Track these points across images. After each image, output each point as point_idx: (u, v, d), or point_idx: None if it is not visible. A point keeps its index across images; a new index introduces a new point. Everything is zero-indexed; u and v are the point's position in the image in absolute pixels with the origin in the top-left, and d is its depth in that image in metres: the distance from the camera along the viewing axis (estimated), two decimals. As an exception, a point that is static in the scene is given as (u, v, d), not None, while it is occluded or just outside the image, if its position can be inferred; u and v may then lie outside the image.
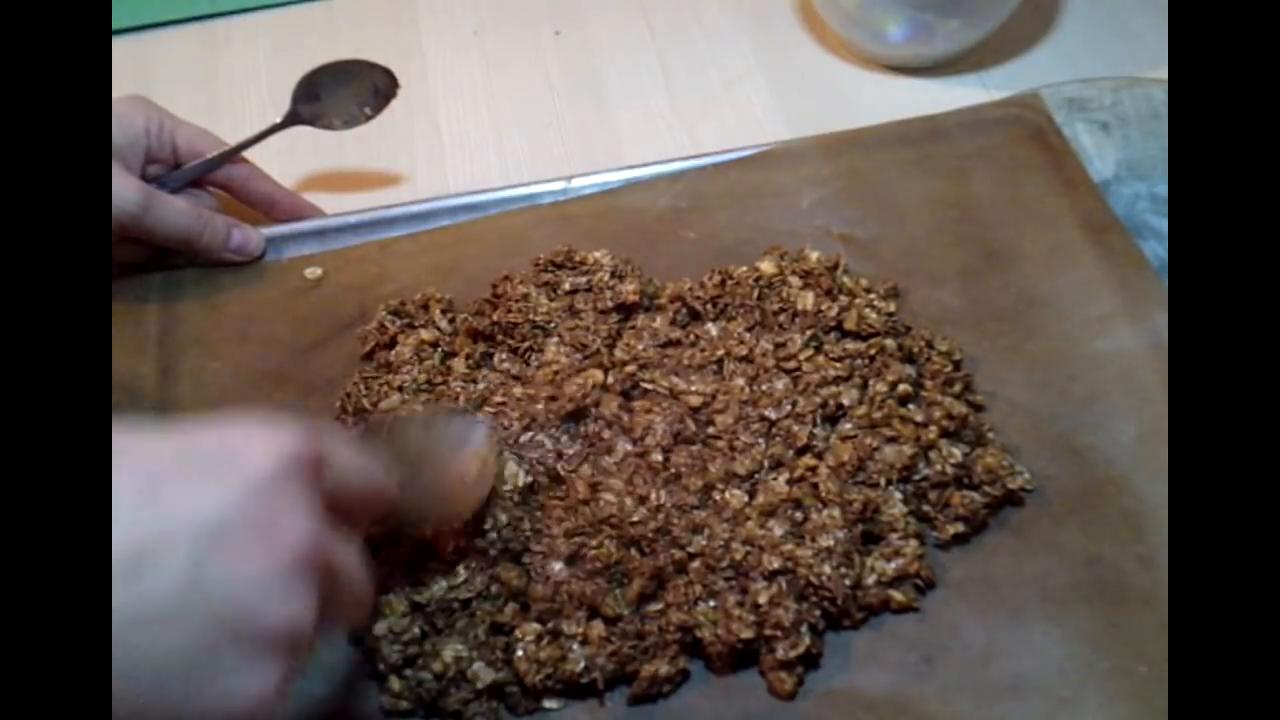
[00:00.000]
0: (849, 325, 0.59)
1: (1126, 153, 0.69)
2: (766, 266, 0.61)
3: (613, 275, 0.60)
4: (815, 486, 0.53)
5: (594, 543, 0.51)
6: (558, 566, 0.51)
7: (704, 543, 0.51)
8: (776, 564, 0.50)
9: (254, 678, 0.33)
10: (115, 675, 0.31)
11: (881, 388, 0.56)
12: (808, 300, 0.59)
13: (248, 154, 0.68)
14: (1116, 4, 0.82)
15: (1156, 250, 0.64)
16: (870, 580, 0.51)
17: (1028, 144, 0.68)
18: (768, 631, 0.49)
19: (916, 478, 0.54)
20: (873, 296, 0.60)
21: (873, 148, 0.69)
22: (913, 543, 0.52)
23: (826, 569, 0.50)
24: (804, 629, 0.49)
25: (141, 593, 0.32)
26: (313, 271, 0.66)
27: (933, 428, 0.55)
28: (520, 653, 0.50)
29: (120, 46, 0.83)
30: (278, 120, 0.69)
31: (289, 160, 0.74)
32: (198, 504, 0.33)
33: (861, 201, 0.67)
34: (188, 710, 0.32)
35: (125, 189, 0.60)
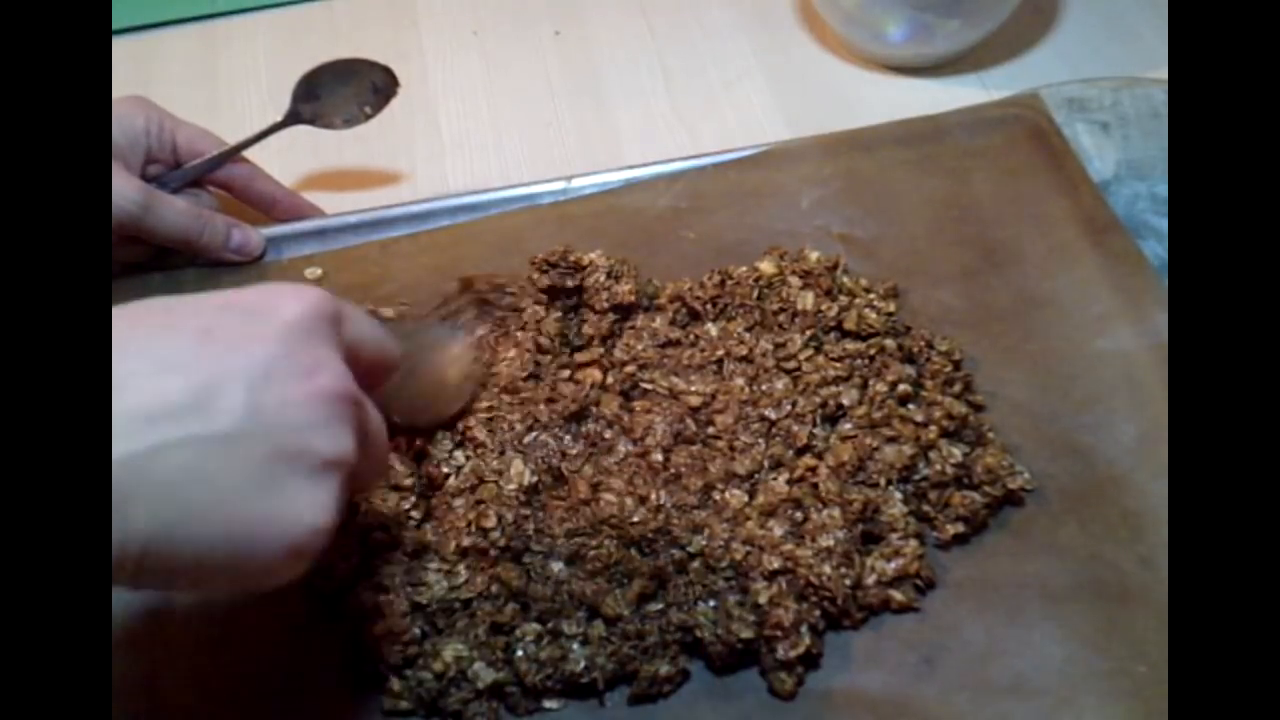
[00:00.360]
0: (849, 325, 0.59)
1: (1126, 153, 0.69)
2: (766, 266, 0.61)
3: (609, 275, 0.60)
4: (815, 486, 0.53)
5: (594, 543, 0.52)
6: (558, 566, 0.51)
7: (704, 543, 0.51)
8: (776, 564, 0.50)
9: (310, 500, 0.35)
10: (188, 504, 0.34)
11: (881, 388, 0.56)
12: (807, 300, 0.59)
13: (248, 154, 0.68)
14: (1116, 4, 0.82)
15: (1156, 250, 0.64)
16: (870, 580, 0.51)
17: (1028, 144, 0.68)
18: (768, 632, 0.49)
19: (916, 478, 0.54)
20: (872, 296, 0.60)
21: (872, 147, 0.69)
22: (913, 543, 0.52)
23: (826, 569, 0.50)
24: (804, 629, 0.49)
25: (209, 424, 0.34)
26: (313, 271, 0.66)
27: (933, 428, 0.55)
28: (520, 653, 0.50)
29: (120, 46, 0.83)
30: (278, 120, 0.69)
31: (289, 160, 0.74)
32: (247, 347, 0.36)
33: (861, 201, 0.67)
34: (254, 532, 0.35)
35: (125, 189, 0.60)
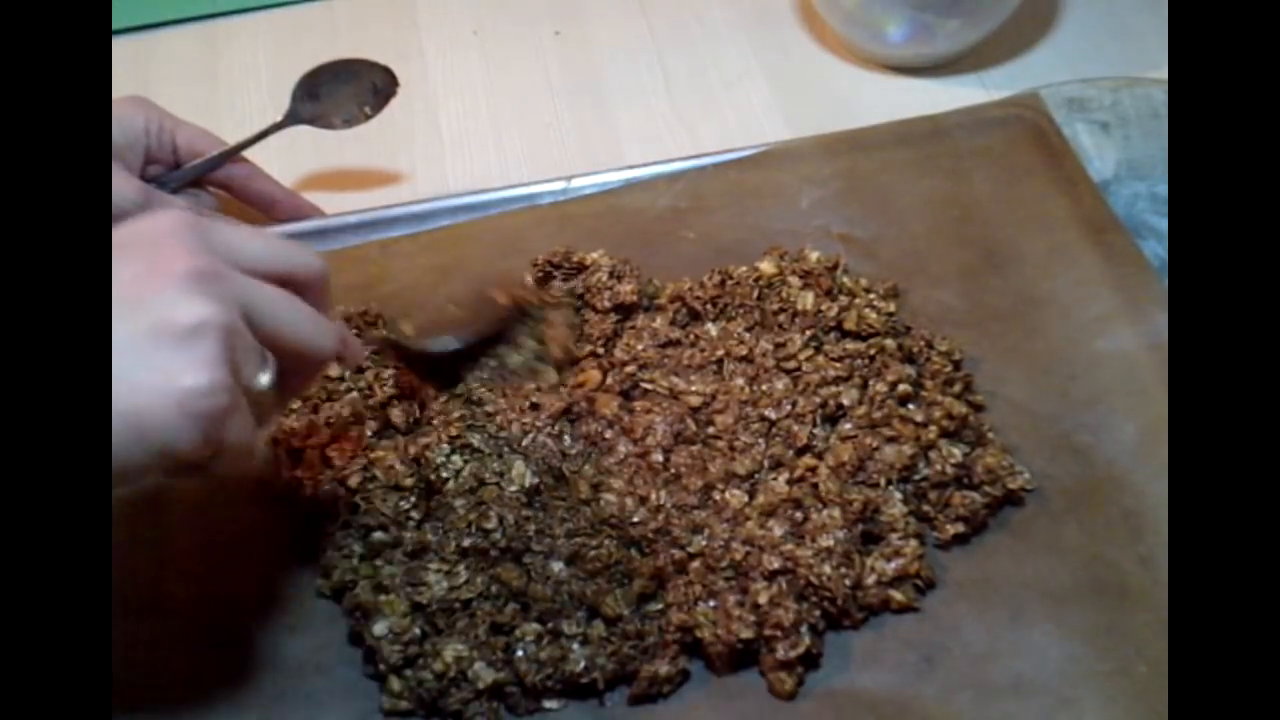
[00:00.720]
0: (849, 325, 0.58)
1: (1126, 153, 0.69)
2: (766, 266, 0.61)
3: (611, 275, 0.60)
4: (815, 486, 0.53)
5: (594, 543, 0.51)
6: (558, 566, 0.51)
7: (704, 543, 0.51)
8: (776, 564, 0.50)
9: (184, 362, 0.39)
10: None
11: (881, 388, 0.56)
12: (808, 300, 0.59)
13: (248, 154, 0.68)
14: (1116, 4, 0.82)
15: (1156, 250, 0.64)
16: (870, 580, 0.51)
17: (1028, 144, 0.68)
18: (768, 631, 0.49)
19: (916, 478, 0.54)
20: (872, 296, 0.60)
21: (872, 148, 0.69)
22: (913, 543, 0.52)
23: (826, 569, 0.50)
24: (804, 629, 0.49)
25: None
26: (313, 271, 0.66)
27: (932, 427, 0.55)
28: (520, 653, 0.50)
29: (120, 46, 0.83)
30: (277, 120, 0.69)
31: (289, 160, 0.74)
32: (120, 266, 0.41)
33: (861, 201, 0.67)
34: (139, 402, 0.39)
35: (124, 188, 0.60)
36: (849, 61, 0.80)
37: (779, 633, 0.49)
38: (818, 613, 0.50)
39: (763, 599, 0.50)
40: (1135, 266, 0.62)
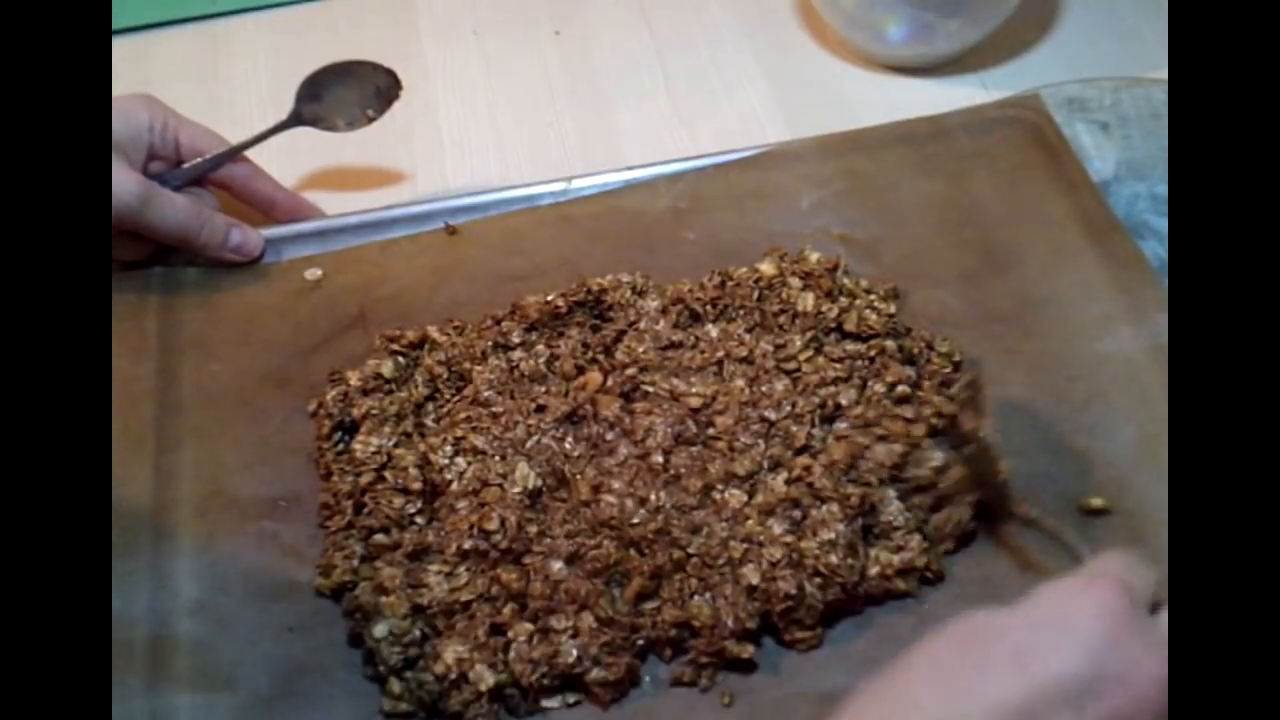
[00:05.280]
0: (849, 326, 0.58)
1: (1126, 153, 0.69)
2: (766, 268, 0.61)
3: (634, 292, 0.61)
4: (811, 485, 0.53)
5: (593, 543, 0.51)
6: (557, 565, 0.51)
7: (703, 542, 0.51)
8: (779, 554, 0.50)
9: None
10: None
11: (880, 388, 0.56)
12: (808, 301, 0.59)
13: (248, 153, 0.68)
14: (1116, 4, 0.82)
15: (1156, 250, 0.64)
16: (874, 571, 0.51)
17: (1028, 145, 0.68)
18: (777, 606, 0.49)
19: (905, 476, 0.54)
20: (873, 298, 0.60)
21: (873, 148, 0.69)
22: (916, 537, 0.52)
23: (833, 558, 0.50)
24: (809, 590, 0.49)
25: None
26: (313, 273, 0.66)
27: (920, 425, 0.54)
28: (514, 653, 0.50)
29: (122, 46, 0.83)
30: (280, 120, 0.69)
31: (289, 160, 0.74)
32: None
33: (862, 203, 0.67)
34: None
35: (125, 182, 0.60)
36: (849, 61, 0.80)
37: (789, 602, 0.49)
38: (818, 580, 0.50)
39: (755, 579, 0.50)
40: (1136, 268, 0.62)
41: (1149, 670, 0.37)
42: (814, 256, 0.61)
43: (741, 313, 0.60)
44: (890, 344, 0.58)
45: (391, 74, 0.71)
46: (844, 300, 0.59)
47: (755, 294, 0.60)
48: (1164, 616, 0.40)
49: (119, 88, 0.66)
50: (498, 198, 0.68)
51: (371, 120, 0.71)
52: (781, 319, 0.59)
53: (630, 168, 0.69)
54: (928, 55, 0.77)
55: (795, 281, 0.60)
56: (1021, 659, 0.37)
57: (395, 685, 0.49)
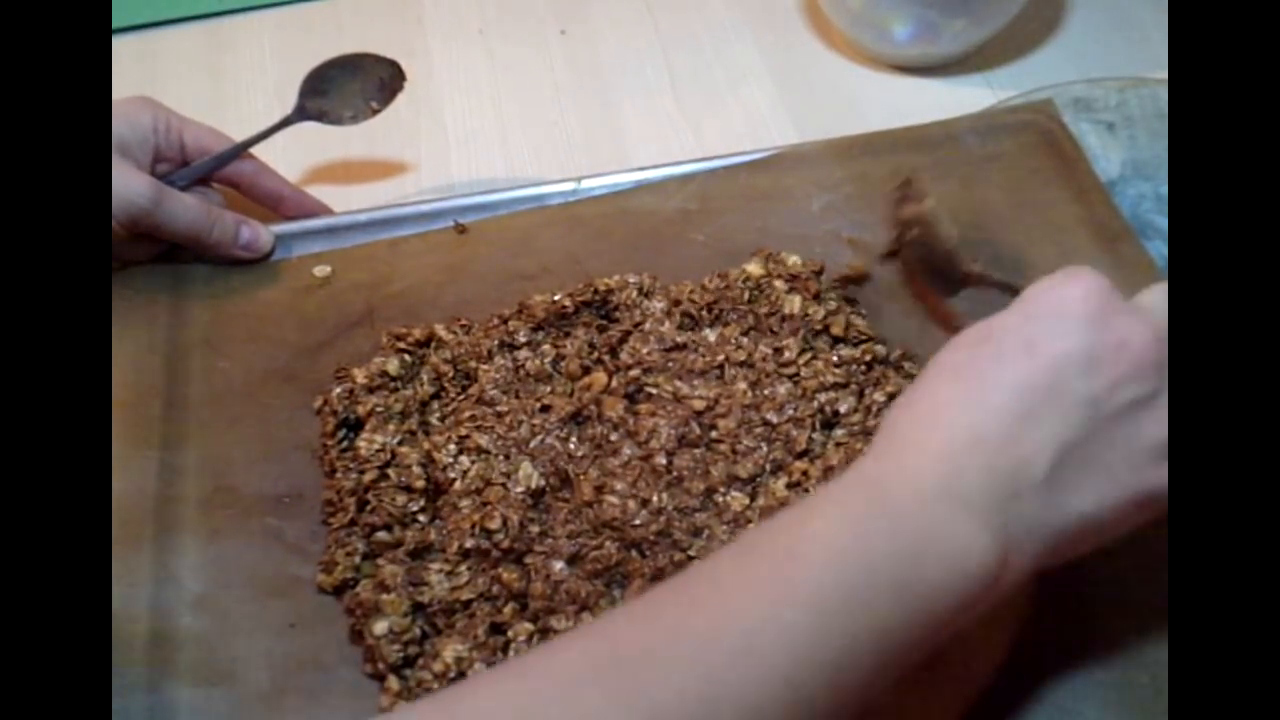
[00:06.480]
0: (835, 330, 0.58)
1: (1132, 153, 0.69)
2: (753, 268, 0.61)
3: (640, 292, 0.60)
4: (809, 490, 0.53)
5: (595, 543, 0.52)
6: (559, 566, 0.51)
7: (704, 545, 0.51)
8: None
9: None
10: None
11: (879, 397, 0.56)
12: (794, 304, 0.59)
13: (254, 151, 0.68)
14: (1122, 4, 0.82)
15: (1161, 251, 0.64)
16: None
17: (1039, 150, 0.68)
18: None
19: None
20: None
21: (884, 152, 0.69)
22: None
23: None
24: None
25: None
26: (322, 269, 0.65)
27: None
28: (514, 653, 0.49)
29: (126, 45, 0.82)
30: (285, 115, 0.69)
31: (295, 156, 0.74)
32: None
33: (872, 206, 0.66)
34: None
35: (137, 184, 0.60)
36: (854, 61, 0.80)
37: None
38: None
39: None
40: (1146, 274, 0.61)
41: (1142, 334, 0.41)
42: (792, 259, 0.61)
43: (735, 316, 0.59)
44: (881, 348, 0.58)
45: (395, 65, 0.70)
46: (831, 303, 0.59)
47: (745, 295, 0.60)
48: (1142, 296, 0.44)
49: (123, 87, 0.66)
50: (507, 196, 0.68)
51: (376, 112, 0.70)
52: (772, 321, 0.59)
53: (641, 168, 0.69)
54: (933, 55, 0.77)
55: (780, 284, 0.60)
56: (1030, 345, 0.41)
57: (394, 683, 0.49)
